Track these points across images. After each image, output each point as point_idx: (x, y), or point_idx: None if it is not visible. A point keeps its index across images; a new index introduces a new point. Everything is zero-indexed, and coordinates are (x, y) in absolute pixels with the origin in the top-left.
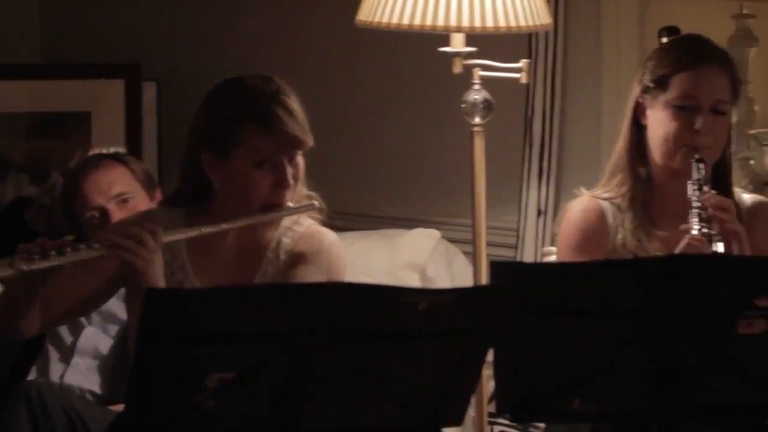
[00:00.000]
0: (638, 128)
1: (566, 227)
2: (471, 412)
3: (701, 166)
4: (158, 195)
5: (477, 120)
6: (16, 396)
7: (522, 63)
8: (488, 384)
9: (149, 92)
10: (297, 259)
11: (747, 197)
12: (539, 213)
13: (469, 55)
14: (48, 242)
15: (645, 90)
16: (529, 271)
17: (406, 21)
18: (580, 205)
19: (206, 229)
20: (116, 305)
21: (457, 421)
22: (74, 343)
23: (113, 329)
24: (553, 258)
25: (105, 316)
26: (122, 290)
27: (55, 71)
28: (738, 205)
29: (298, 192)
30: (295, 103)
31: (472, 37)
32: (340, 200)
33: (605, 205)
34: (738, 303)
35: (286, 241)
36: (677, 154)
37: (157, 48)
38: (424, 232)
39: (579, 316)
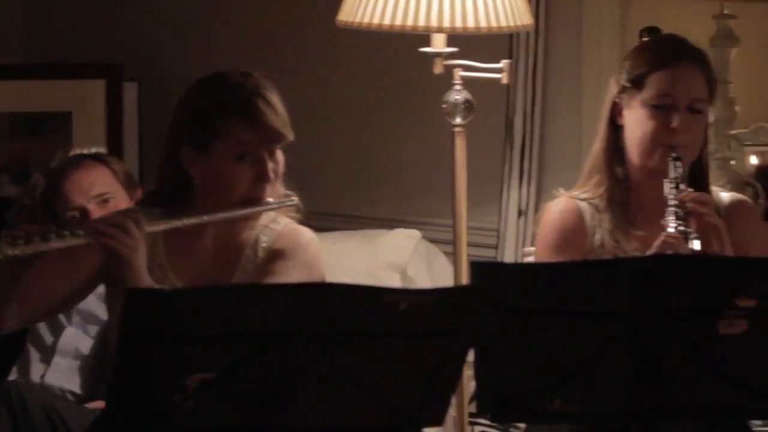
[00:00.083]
0: (615, 128)
1: (545, 228)
2: (452, 412)
3: (678, 164)
4: (139, 195)
5: (458, 120)
6: None
7: (503, 63)
8: (469, 384)
9: (130, 92)
10: (275, 255)
11: (725, 195)
12: (520, 213)
13: (450, 56)
14: (32, 227)
15: (622, 90)
16: (509, 271)
17: (387, 21)
18: (559, 205)
19: (188, 220)
20: (97, 305)
21: (438, 421)
22: (55, 343)
23: (93, 329)
24: (532, 259)
25: (85, 316)
26: (103, 291)
27: (36, 71)
28: (716, 204)
29: (277, 190)
30: (275, 98)
31: (452, 38)
32: (321, 201)
33: (583, 205)
34: (719, 303)
35: (264, 238)
36: (654, 153)
37: (139, 48)
38: (405, 232)
39: (560, 316)
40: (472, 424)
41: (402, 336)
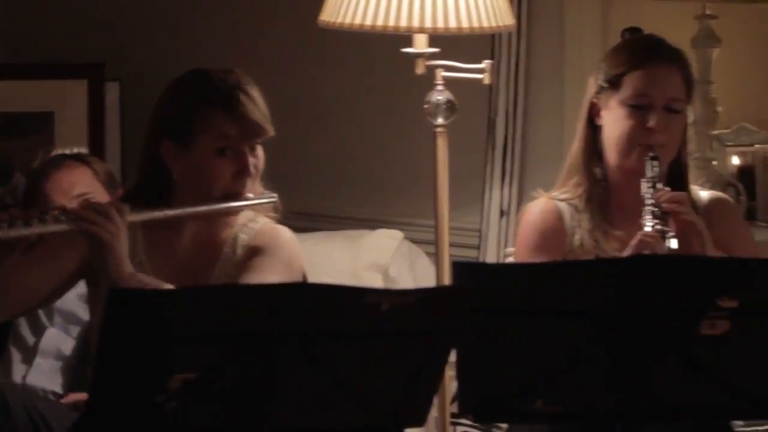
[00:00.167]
0: (593, 129)
1: (524, 228)
2: (434, 412)
3: (655, 163)
4: (120, 195)
5: (440, 121)
6: None
7: (485, 64)
8: (451, 384)
9: (112, 92)
10: (254, 252)
11: (704, 194)
12: (502, 213)
13: (432, 56)
14: (16, 212)
15: (599, 90)
16: (491, 271)
17: (369, 21)
18: (538, 206)
19: (170, 212)
20: (78, 306)
21: (420, 422)
22: (36, 344)
23: (75, 330)
24: (511, 259)
25: (67, 317)
26: (84, 291)
27: (17, 71)
28: (695, 203)
29: (256, 188)
30: (256, 93)
31: (434, 38)
32: (303, 201)
33: (562, 206)
34: (701, 303)
35: (242, 237)
36: (632, 153)
37: (121, 48)
38: (387, 232)
39: (541, 317)
40: (454, 424)
41: (384, 336)
